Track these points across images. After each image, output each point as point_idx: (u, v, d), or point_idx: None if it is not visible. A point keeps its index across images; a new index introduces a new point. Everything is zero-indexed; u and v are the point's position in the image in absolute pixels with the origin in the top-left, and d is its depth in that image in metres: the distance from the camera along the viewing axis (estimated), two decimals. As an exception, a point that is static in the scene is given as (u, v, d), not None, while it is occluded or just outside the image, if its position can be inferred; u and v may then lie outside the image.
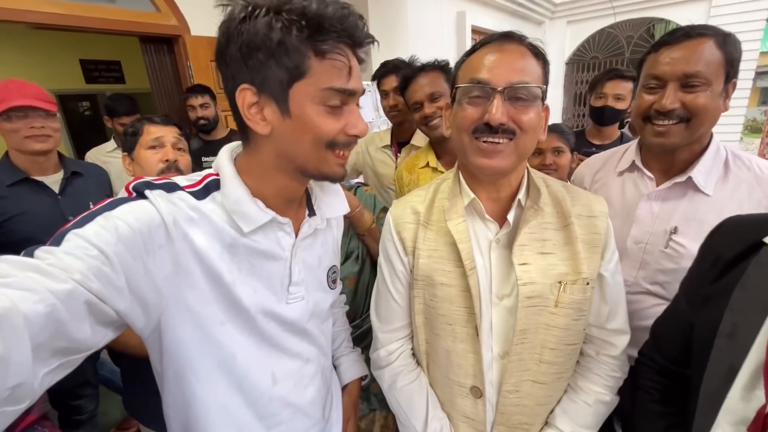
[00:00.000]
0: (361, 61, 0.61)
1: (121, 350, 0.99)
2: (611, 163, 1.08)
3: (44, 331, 0.40)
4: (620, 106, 1.88)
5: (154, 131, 1.13)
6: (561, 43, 5.55)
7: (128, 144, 1.13)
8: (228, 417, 0.66)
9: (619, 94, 1.86)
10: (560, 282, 0.70)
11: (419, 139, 1.75)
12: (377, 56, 2.97)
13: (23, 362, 0.38)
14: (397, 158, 1.82)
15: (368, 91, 2.83)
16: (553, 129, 1.62)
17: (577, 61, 5.59)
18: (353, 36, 0.56)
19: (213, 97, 2.36)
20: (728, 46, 0.82)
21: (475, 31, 4.07)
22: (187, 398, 0.63)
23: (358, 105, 0.63)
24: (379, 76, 1.80)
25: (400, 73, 1.59)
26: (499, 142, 0.67)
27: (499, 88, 0.65)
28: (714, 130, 0.90)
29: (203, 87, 2.35)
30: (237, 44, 0.53)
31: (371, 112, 3.06)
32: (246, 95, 0.56)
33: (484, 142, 0.68)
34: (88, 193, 1.53)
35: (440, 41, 3.63)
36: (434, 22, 3.54)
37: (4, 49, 3.96)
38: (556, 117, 5.85)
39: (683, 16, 4.54)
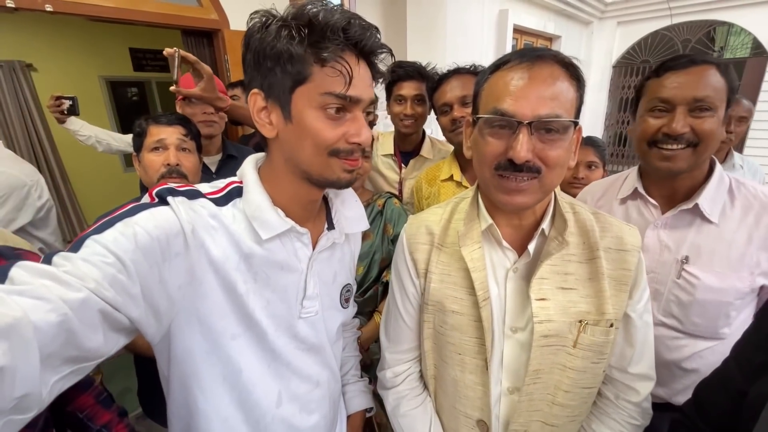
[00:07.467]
0: (378, 73, 0.61)
1: (130, 349, 1.01)
2: (612, 191, 1.05)
3: (55, 341, 0.40)
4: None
5: (156, 132, 1.07)
6: (609, 44, 5.24)
7: (136, 145, 1.10)
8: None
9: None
10: (580, 321, 0.65)
11: (428, 150, 1.61)
12: (414, 55, 2.92)
13: (30, 373, 0.38)
14: (401, 170, 1.66)
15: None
16: (590, 143, 1.52)
17: (625, 65, 5.26)
18: (358, 45, 0.55)
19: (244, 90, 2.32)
20: (729, 75, 0.84)
21: (517, 30, 3.91)
22: (189, 407, 0.63)
23: (372, 113, 0.61)
24: (396, 79, 1.49)
25: (427, 83, 1.44)
26: (523, 180, 0.61)
27: (525, 122, 0.59)
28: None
29: (236, 81, 2.35)
30: (252, 52, 0.57)
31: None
32: (256, 99, 0.59)
33: (506, 178, 0.62)
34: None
35: (480, 41, 3.51)
36: (474, 21, 3.41)
37: (65, 37, 4.27)
38: (599, 122, 5.55)
39: (751, 20, 4.16)
